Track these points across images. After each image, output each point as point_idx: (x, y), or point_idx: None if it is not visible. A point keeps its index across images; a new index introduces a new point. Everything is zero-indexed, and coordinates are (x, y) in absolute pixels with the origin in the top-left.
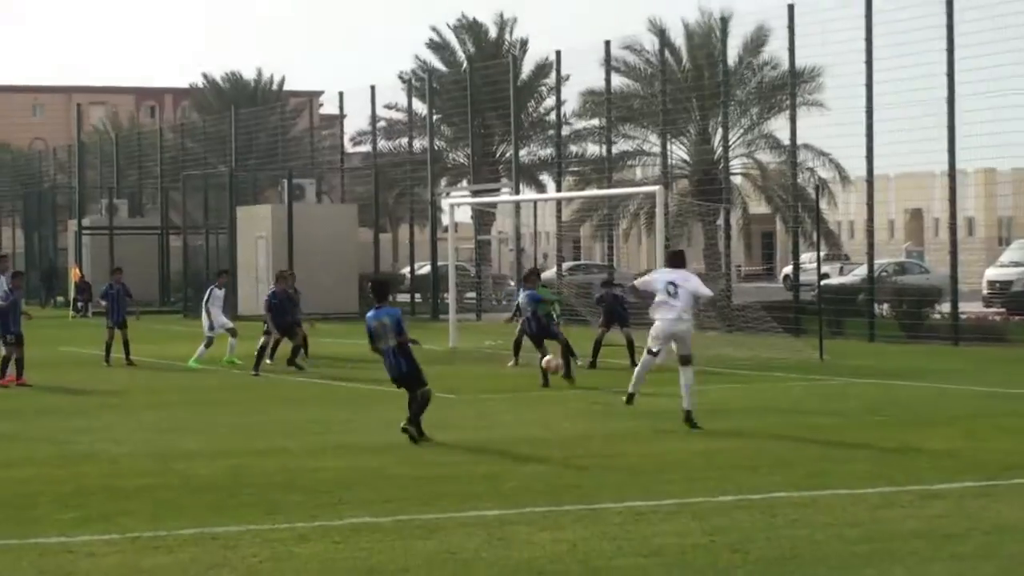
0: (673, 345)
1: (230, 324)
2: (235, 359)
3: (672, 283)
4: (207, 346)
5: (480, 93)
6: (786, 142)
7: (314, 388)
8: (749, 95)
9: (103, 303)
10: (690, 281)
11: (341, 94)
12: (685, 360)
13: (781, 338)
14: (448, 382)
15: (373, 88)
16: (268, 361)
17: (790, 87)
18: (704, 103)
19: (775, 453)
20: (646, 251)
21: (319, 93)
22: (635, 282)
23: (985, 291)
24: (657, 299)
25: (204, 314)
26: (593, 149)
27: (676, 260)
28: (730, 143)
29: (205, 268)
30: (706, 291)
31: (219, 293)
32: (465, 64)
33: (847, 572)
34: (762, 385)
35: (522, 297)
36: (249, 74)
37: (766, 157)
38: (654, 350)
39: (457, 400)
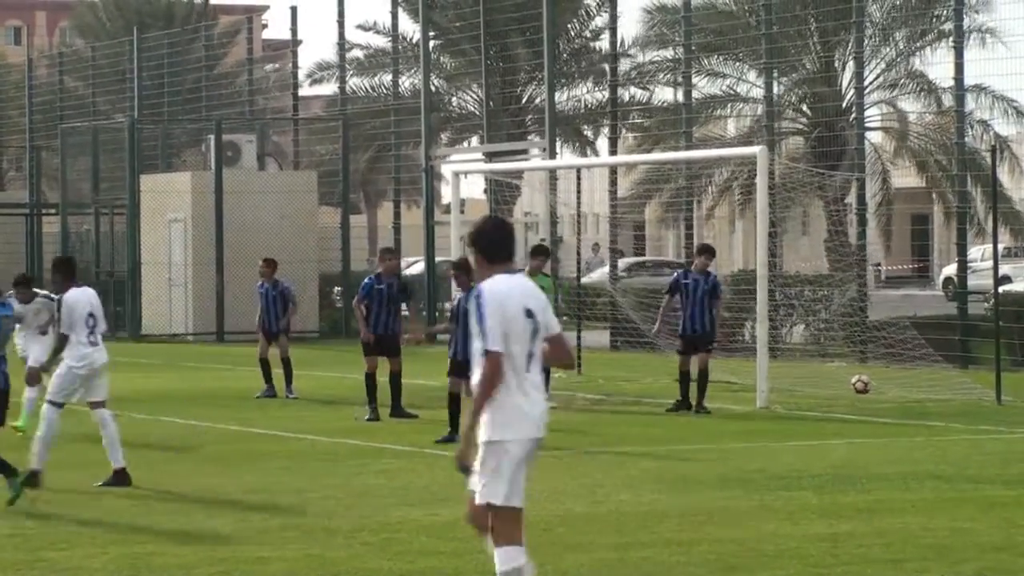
0: None
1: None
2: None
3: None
4: None
5: (499, 8)
6: (948, 83)
7: (253, 441)
8: (893, 13)
9: None
10: (547, 311)
11: (294, 9)
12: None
13: (939, 370)
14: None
15: (341, 0)
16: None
17: (954, 2)
18: (827, 25)
19: (931, 539)
20: (740, 240)
21: (262, 9)
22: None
23: None
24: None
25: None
26: (664, 93)
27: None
28: (865, 84)
29: (95, 264)
30: (556, 327)
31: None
32: None
33: None
34: (910, 440)
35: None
36: None
37: (918, 105)
38: None
39: None
